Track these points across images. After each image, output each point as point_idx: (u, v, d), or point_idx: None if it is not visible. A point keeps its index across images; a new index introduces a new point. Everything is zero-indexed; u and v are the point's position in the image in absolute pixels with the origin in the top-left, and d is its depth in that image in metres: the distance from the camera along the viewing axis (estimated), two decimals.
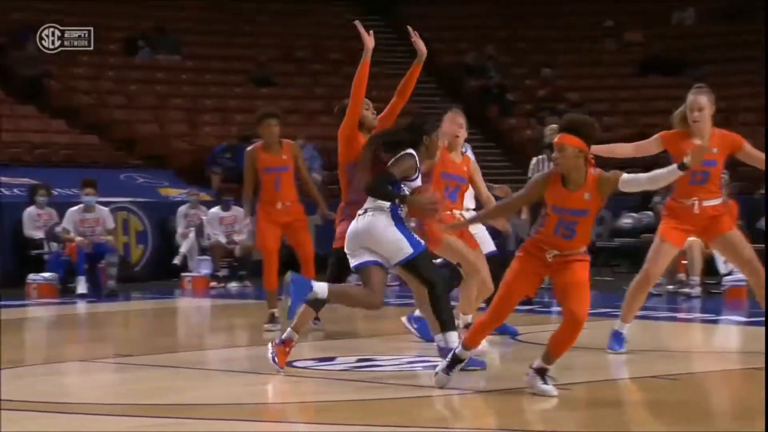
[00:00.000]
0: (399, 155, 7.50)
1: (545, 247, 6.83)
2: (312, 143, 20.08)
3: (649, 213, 17.18)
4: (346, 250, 7.63)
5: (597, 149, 7.22)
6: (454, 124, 8.87)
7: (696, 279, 14.07)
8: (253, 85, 24.16)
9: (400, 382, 7.61)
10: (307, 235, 10.72)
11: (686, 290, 14.03)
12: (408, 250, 7.43)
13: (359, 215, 7.56)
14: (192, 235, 16.98)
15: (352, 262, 7.56)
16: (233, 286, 16.35)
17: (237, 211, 16.67)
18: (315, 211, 11.06)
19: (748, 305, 12.67)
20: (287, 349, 7.81)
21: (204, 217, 17.09)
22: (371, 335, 9.82)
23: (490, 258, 9.13)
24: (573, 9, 27.75)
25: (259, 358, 9.19)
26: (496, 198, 8.95)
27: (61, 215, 15.84)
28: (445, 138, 8.65)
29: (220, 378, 8.29)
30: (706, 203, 8.41)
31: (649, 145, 8.44)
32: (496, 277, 8.25)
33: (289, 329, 7.89)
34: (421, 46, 8.31)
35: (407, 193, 7.42)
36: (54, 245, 15.94)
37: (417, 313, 9.14)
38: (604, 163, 7.26)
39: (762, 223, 16.15)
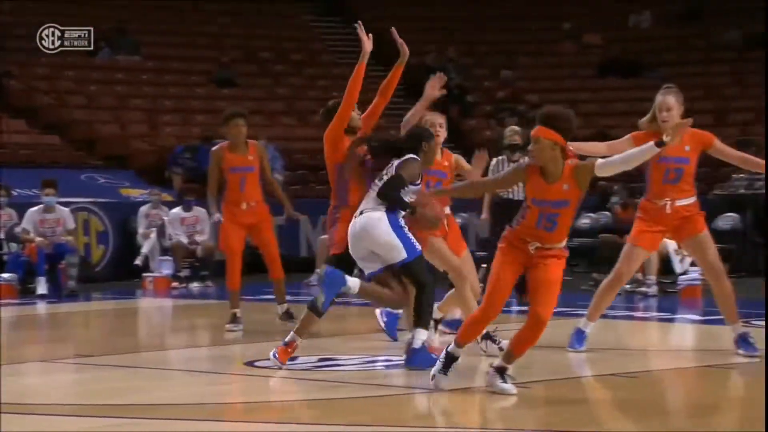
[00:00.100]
0: (404, 159, 7.83)
1: (528, 239, 6.89)
2: (273, 144, 20.07)
3: (607, 213, 17.33)
4: (354, 256, 7.91)
5: (570, 147, 7.29)
6: (434, 124, 9.02)
7: (652, 278, 14.25)
8: (214, 86, 24.11)
9: (362, 381, 7.65)
10: (272, 236, 10.75)
11: (643, 289, 14.22)
12: (403, 254, 7.77)
13: (356, 217, 7.79)
14: (153, 235, 16.95)
15: (366, 271, 7.92)
16: (195, 286, 16.32)
17: (198, 211, 16.67)
18: (280, 212, 11.08)
19: (703, 304, 12.83)
20: (289, 350, 8.06)
21: (165, 218, 17.06)
22: (333, 335, 9.86)
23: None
24: (532, 12, 27.87)
25: (221, 358, 9.21)
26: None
27: (21, 216, 15.77)
28: None
29: (181, 378, 8.30)
30: (678, 203, 8.50)
31: (622, 145, 8.51)
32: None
33: (291, 333, 8.11)
34: (403, 47, 8.43)
35: (411, 196, 7.74)
36: (13, 246, 15.86)
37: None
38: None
39: (718, 223, 16.31)
